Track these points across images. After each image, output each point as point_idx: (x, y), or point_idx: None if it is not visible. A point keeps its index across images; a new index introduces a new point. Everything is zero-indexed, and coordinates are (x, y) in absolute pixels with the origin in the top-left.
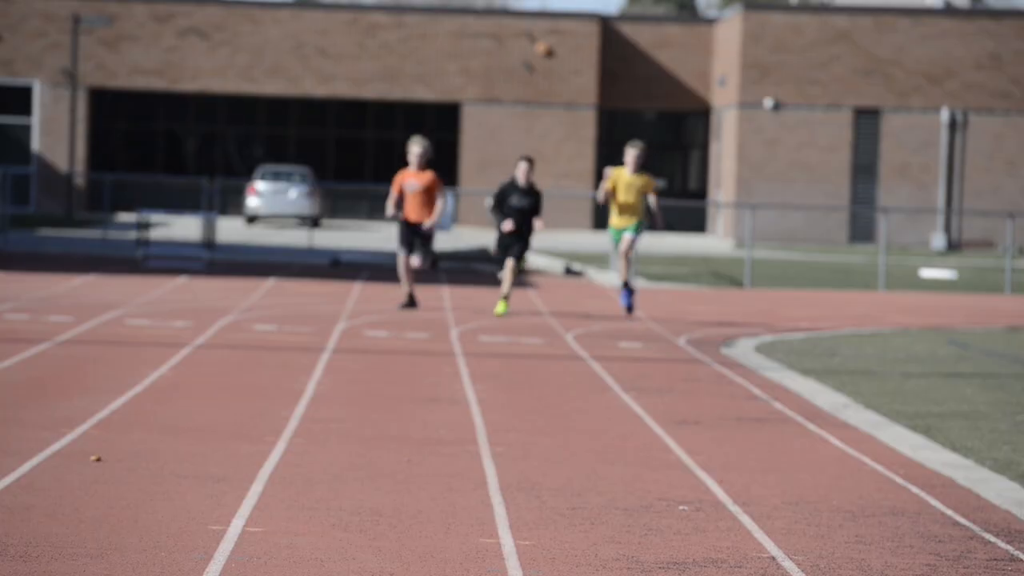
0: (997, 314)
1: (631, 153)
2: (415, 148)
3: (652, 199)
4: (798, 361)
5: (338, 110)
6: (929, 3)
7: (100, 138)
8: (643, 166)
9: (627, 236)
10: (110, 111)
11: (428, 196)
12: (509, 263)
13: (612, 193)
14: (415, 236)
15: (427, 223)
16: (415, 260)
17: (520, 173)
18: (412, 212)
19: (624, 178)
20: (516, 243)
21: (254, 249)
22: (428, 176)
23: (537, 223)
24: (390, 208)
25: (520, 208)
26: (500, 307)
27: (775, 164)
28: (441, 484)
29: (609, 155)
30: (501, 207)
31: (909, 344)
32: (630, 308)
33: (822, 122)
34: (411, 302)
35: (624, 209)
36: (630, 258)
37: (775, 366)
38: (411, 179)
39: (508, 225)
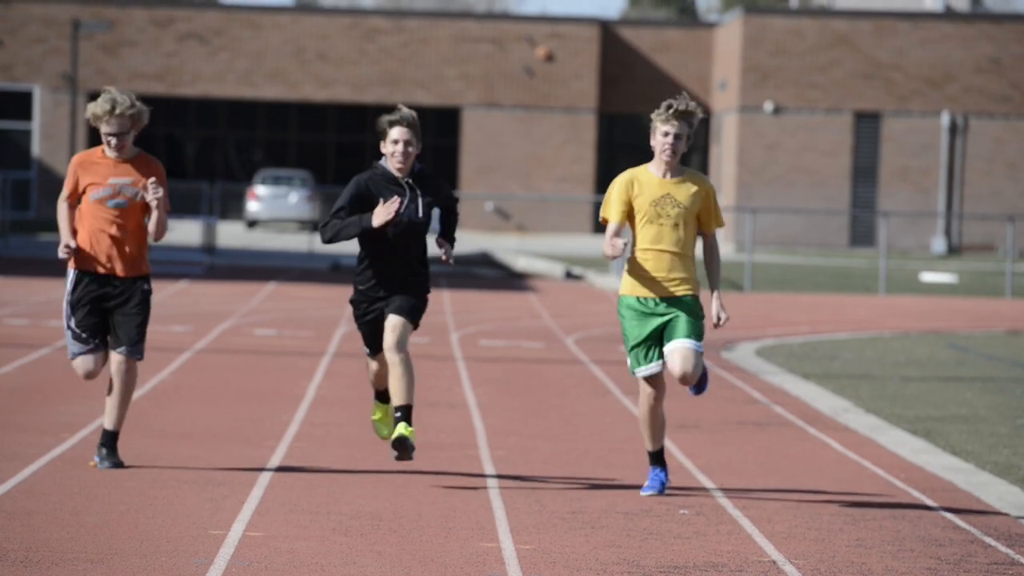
0: (997, 318)
1: (669, 125)
2: (118, 109)
3: (719, 256)
4: (798, 365)
5: (338, 115)
6: (929, 7)
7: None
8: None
9: (682, 348)
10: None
11: (137, 215)
12: (391, 337)
13: (626, 222)
14: (111, 302)
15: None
16: (116, 356)
17: (397, 153)
18: (102, 250)
19: (653, 186)
20: (394, 301)
21: (254, 253)
22: (135, 171)
23: (442, 250)
24: (66, 232)
25: (413, 225)
26: (402, 428)
27: (775, 168)
28: (441, 488)
29: (609, 159)
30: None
31: (909, 348)
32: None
33: (822, 126)
34: (111, 452)
35: (658, 255)
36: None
37: (775, 370)
38: (110, 178)
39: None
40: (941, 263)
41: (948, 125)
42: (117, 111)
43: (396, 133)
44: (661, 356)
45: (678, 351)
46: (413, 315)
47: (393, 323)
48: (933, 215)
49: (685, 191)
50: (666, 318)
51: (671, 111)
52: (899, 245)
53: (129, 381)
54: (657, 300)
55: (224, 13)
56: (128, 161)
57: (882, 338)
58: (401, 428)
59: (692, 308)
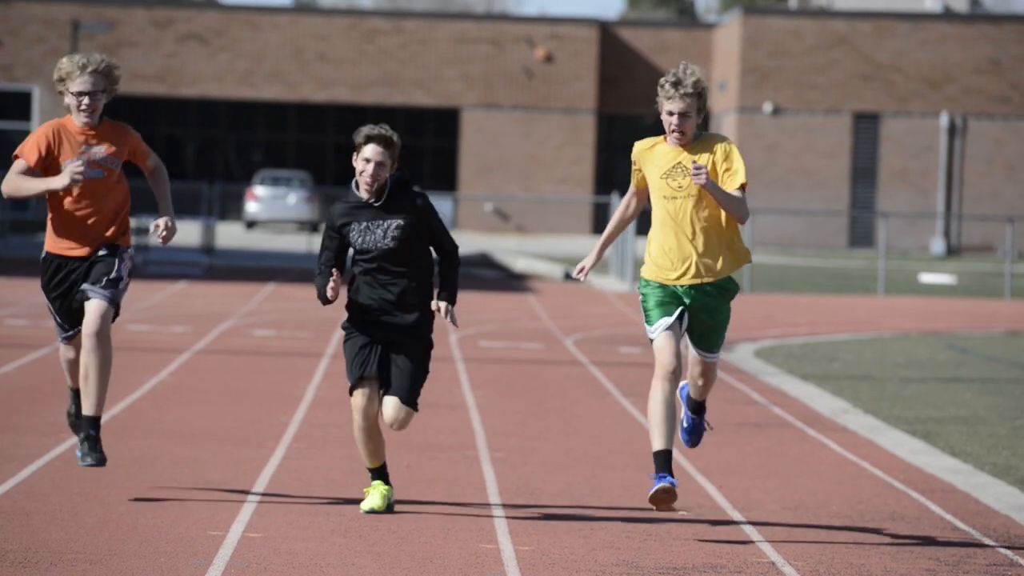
0: (996, 319)
1: (673, 104)
2: (91, 65)
3: (737, 196)
4: (797, 366)
5: (337, 115)
6: (928, 8)
7: None
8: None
9: (697, 358)
10: (110, 116)
11: (118, 189)
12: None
13: (640, 193)
14: (83, 284)
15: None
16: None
17: (366, 173)
18: (75, 228)
19: (665, 156)
20: (394, 381)
21: (253, 254)
22: (111, 145)
23: (438, 307)
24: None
25: (382, 253)
26: (374, 500)
27: (774, 169)
28: (440, 489)
29: (608, 159)
30: (335, 262)
31: (909, 349)
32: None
33: (821, 127)
34: (80, 419)
35: (678, 235)
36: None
37: (774, 371)
38: (86, 147)
39: (332, 292)
40: (940, 264)
41: (947, 126)
42: (90, 67)
43: (369, 151)
44: (680, 320)
45: (694, 361)
46: (414, 399)
47: (391, 406)
48: (932, 216)
49: (699, 157)
50: (690, 308)
51: (675, 88)
52: (898, 246)
53: (103, 353)
54: (682, 288)
55: (224, 14)
56: (97, 130)
57: (881, 339)
58: (379, 496)
59: (720, 306)
